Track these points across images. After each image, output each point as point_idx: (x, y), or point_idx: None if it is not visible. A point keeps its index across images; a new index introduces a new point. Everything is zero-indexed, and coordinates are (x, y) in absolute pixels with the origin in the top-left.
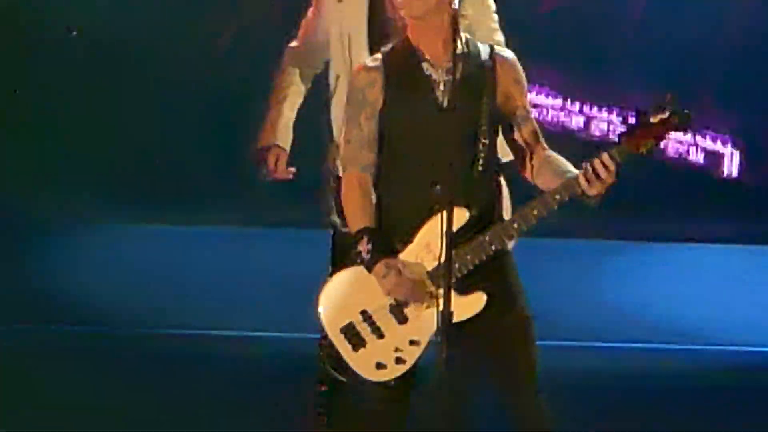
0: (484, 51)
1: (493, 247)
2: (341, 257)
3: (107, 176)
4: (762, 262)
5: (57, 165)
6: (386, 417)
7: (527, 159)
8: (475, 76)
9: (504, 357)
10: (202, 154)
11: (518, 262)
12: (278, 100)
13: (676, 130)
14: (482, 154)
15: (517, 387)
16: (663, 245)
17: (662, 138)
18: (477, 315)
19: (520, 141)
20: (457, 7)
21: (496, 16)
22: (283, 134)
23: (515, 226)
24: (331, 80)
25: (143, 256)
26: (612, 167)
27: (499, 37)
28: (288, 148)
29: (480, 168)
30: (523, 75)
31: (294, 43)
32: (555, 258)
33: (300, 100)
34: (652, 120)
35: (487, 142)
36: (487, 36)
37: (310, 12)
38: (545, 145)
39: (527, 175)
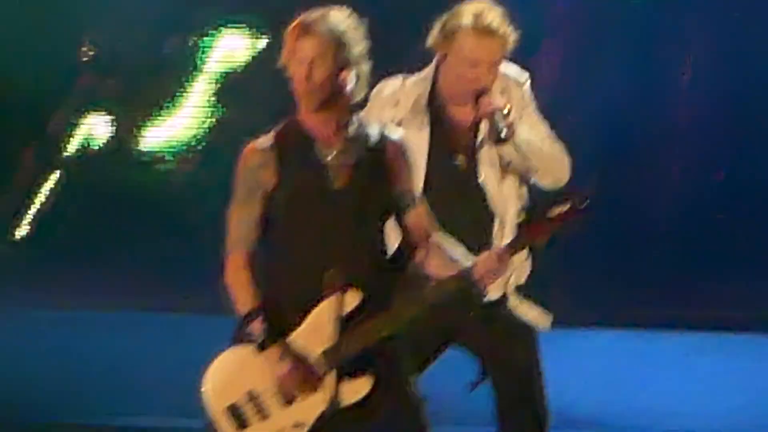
0: (374, 134)
1: (383, 333)
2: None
3: None
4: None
5: None
6: None
7: (415, 244)
8: (367, 159)
9: None
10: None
11: None
12: None
13: (575, 215)
14: (373, 238)
15: None
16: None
17: (558, 228)
18: (364, 398)
19: (408, 225)
20: (349, 91)
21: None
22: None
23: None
24: None
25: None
26: (507, 260)
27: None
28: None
29: (370, 252)
30: (410, 159)
31: None
32: None
33: None
34: (548, 215)
35: (379, 224)
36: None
37: None
38: (436, 230)
39: (416, 260)
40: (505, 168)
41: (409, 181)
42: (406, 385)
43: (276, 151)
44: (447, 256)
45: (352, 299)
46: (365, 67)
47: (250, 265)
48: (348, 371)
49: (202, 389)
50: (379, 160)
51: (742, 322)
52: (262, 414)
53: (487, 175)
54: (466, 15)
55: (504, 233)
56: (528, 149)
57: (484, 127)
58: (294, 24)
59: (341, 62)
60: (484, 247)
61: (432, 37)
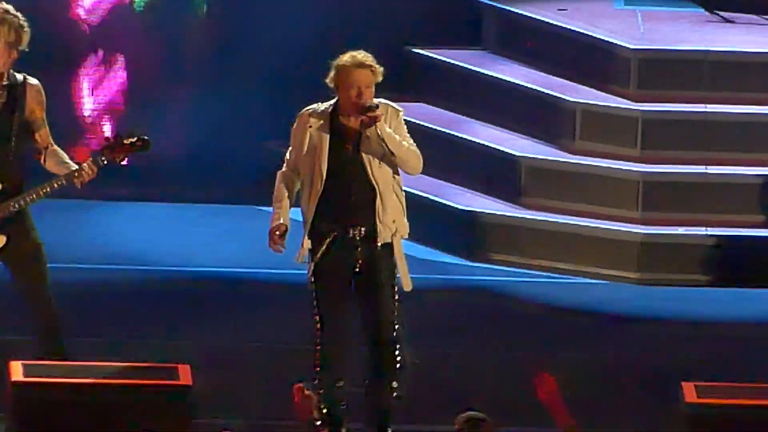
0: (20, 80)
1: (13, 208)
2: None
3: None
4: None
5: None
6: None
7: (42, 153)
8: (12, 97)
9: None
10: None
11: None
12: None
13: (140, 150)
14: (14, 149)
15: None
16: None
17: (129, 153)
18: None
19: (38, 140)
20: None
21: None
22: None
23: (30, 197)
24: None
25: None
26: (95, 169)
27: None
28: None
29: (11, 158)
30: (44, 96)
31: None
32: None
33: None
34: (124, 141)
35: (17, 140)
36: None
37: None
38: (53, 144)
39: (42, 162)
40: (379, 157)
41: (40, 111)
42: (31, 234)
43: None
44: (60, 161)
45: None
46: None
47: None
48: None
49: None
50: (19, 98)
51: None
52: None
53: (366, 158)
54: (345, 57)
55: (382, 198)
56: (389, 140)
57: (363, 129)
58: None
59: None
60: (370, 206)
61: (329, 77)
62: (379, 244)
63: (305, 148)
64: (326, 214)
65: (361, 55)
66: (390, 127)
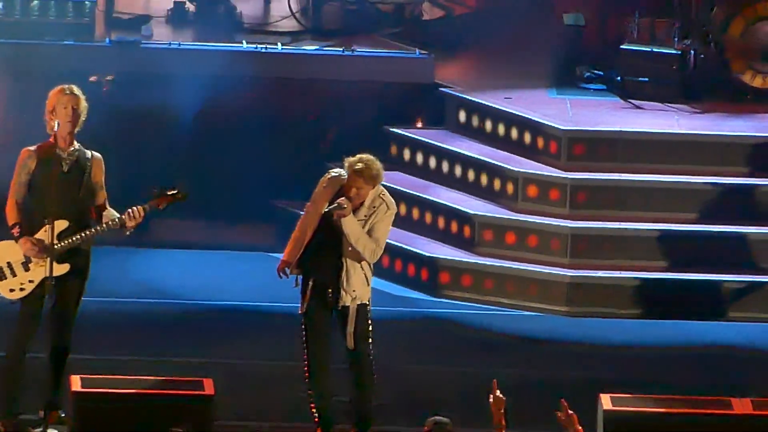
0: (88, 153)
1: (78, 243)
2: None
3: None
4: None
5: None
6: (25, 319)
7: (100, 210)
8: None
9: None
10: None
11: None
12: None
13: (180, 201)
14: (79, 198)
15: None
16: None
17: (170, 203)
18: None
19: (98, 200)
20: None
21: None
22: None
23: (90, 232)
24: None
25: None
26: (141, 214)
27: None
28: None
29: (77, 203)
30: (103, 166)
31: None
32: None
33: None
34: (167, 192)
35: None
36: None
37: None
38: (107, 204)
39: (97, 219)
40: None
41: (100, 178)
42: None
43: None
44: (110, 215)
45: (63, 224)
46: None
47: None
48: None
49: None
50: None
51: None
52: (12, 273)
53: (346, 229)
54: (354, 158)
55: (347, 271)
56: (348, 234)
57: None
58: None
59: None
60: (336, 265)
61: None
62: (340, 306)
63: (315, 202)
64: (309, 265)
65: (361, 164)
66: (371, 220)
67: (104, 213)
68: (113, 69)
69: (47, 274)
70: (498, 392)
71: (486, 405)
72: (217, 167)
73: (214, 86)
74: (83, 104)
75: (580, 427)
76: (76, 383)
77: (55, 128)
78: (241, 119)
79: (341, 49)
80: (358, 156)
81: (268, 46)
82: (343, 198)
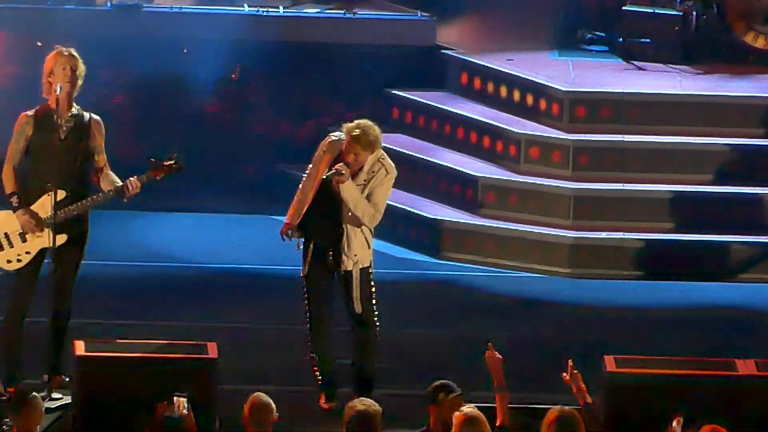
0: (86, 116)
1: (75, 213)
2: None
3: None
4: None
5: None
6: (21, 286)
7: (98, 173)
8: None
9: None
10: None
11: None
12: None
13: (176, 172)
14: (78, 167)
15: None
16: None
17: (167, 173)
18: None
19: (98, 163)
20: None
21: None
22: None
23: (86, 203)
24: None
25: None
26: (139, 184)
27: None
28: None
29: (75, 174)
30: (103, 129)
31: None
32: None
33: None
34: (164, 163)
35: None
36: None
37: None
38: (108, 167)
39: (97, 182)
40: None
41: (100, 140)
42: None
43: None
44: (112, 180)
45: (62, 194)
46: None
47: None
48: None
49: None
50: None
51: None
52: (9, 244)
53: (345, 195)
54: (352, 125)
55: (348, 236)
56: (346, 199)
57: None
58: None
59: None
60: (337, 230)
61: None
62: (343, 271)
63: (315, 166)
64: (310, 229)
65: (359, 130)
66: (370, 185)
67: (104, 177)
68: (114, 33)
69: (47, 245)
70: (496, 353)
71: (487, 371)
72: (218, 131)
73: (216, 50)
74: (81, 66)
75: (583, 385)
76: (79, 347)
77: (58, 92)
78: (243, 83)
79: (343, 12)
80: (356, 122)
81: (269, 9)
82: (341, 164)
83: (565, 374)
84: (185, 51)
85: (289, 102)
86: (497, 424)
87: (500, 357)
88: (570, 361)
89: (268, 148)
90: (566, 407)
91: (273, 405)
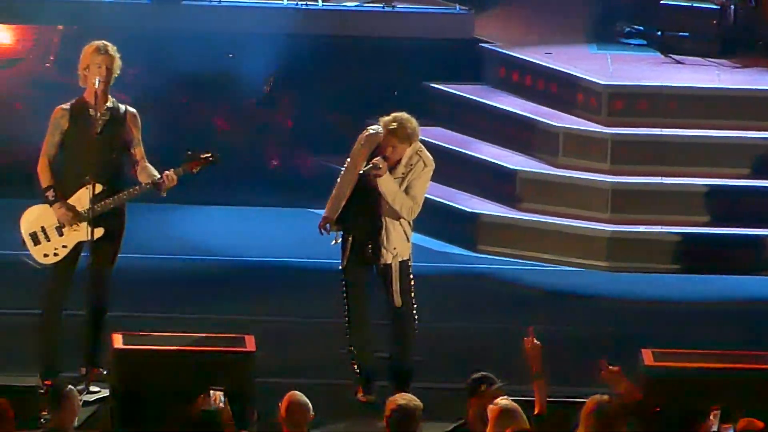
0: (122, 108)
1: (112, 206)
2: None
3: None
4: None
5: None
6: (59, 279)
7: (136, 166)
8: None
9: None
10: None
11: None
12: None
13: (212, 164)
14: (114, 160)
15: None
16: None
17: (203, 166)
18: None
19: (135, 156)
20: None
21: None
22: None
23: (123, 196)
24: None
25: None
26: (175, 178)
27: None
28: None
29: (111, 167)
30: (139, 121)
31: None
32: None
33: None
34: (201, 156)
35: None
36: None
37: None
38: (145, 159)
39: (135, 175)
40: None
41: (137, 133)
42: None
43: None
44: (150, 173)
45: (99, 187)
46: None
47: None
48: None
49: (20, 222)
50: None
51: None
52: (46, 238)
53: (383, 188)
54: (389, 118)
55: (387, 229)
56: (384, 193)
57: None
58: None
59: None
60: (375, 223)
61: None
62: (382, 264)
63: (353, 159)
64: (349, 223)
65: (396, 123)
66: (408, 178)
67: (141, 169)
68: (154, 26)
69: (84, 238)
70: (535, 340)
71: (525, 360)
72: (258, 125)
73: (255, 43)
74: (117, 63)
75: (626, 380)
76: (117, 341)
77: (96, 85)
78: (282, 76)
79: (381, 5)
80: (393, 115)
81: (308, 3)
82: (378, 158)
83: (603, 372)
84: (231, 56)
85: (326, 95)
86: (535, 412)
87: (539, 344)
88: (603, 361)
89: (306, 141)
90: (604, 396)
91: (309, 404)
